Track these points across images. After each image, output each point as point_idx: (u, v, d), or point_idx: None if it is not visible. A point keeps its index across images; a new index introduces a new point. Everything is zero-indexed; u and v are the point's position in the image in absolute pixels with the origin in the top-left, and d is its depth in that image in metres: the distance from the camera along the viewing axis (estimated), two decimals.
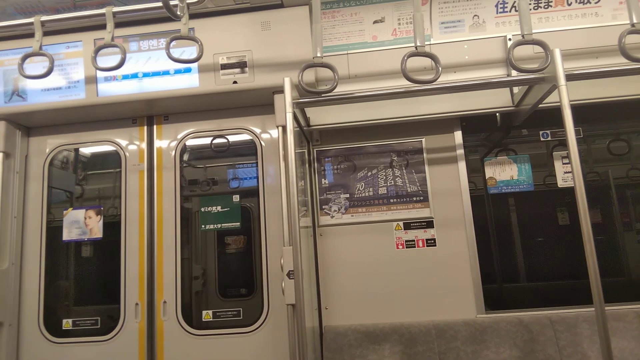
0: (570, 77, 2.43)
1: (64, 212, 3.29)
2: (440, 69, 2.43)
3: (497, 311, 3.05)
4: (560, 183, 3.17)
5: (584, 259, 2.21)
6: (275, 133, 3.21)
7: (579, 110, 2.71)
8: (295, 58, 2.94)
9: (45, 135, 3.40)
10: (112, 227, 3.24)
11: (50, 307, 3.21)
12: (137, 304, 3.10)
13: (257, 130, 3.28)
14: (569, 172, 3.13)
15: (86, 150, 3.56)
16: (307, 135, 3.25)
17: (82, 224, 3.25)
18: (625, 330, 2.80)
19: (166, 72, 3.03)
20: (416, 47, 2.48)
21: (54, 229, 3.29)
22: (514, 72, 3.01)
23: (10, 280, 3.12)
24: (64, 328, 3.17)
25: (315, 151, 3.34)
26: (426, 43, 2.57)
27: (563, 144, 2.34)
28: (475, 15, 3.16)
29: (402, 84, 2.91)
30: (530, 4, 3.10)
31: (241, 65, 2.98)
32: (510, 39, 3.08)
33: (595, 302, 2.18)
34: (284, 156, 2.65)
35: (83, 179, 3.64)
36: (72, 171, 3.59)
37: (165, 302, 3.09)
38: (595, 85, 2.88)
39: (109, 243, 3.23)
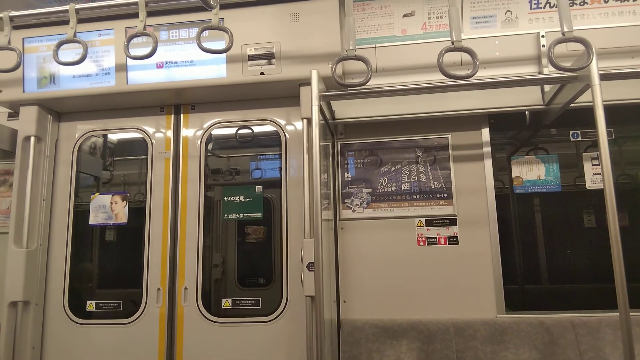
0: (604, 77, 2.38)
1: (91, 196, 3.36)
2: (477, 64, 2.39)
3: (517, 312, 3.01)
4: (589, 185, 3.10)
5: (608, 262, 2.17)
6: (299, 125, 3.21)
7: (611, 111, 2.65)
8: (322, 50, 2.93)
9: (75, 120, 3.47)
10: (137, 213, 3.30)
11: (75, 288, 3.29)
12: (158, 289, 3.16)
13: (282, 122, 3.29)
14: (598, 174, 3.06)
15: (114, 137, 3.63)
16: (331, 128, 3.24)
17: (108, 209, 3.31)
18: None
19: (194, 62, 3.06)
20: (452, 42, 2.45)
21: (80, 213, 3.36)
22: (545, 70, 2.96)
23: (38, 260, 3.21)
24: (87, 309, 3.25)
25: (339, 144, 3.33)
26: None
27: (594, 144, 2.30)
28: (507, 11, 3.10)
29: (430, 78, 2.90)
30: None
31: (269, 56, 2.99)
32: (543, 36, 3.01)
33: (620, 307, 2.14)
34: (308, 149, 2.66)
35: (110, 164, 3.71)
36: (100, 157, 3.67)
37: (186, 288, 3.14)
38: (629, 85, 2.81)
39: (134, 228, 3.29)
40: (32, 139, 3.21)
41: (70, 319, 3.22)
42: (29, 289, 3.10)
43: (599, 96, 2.30)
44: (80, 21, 2.88)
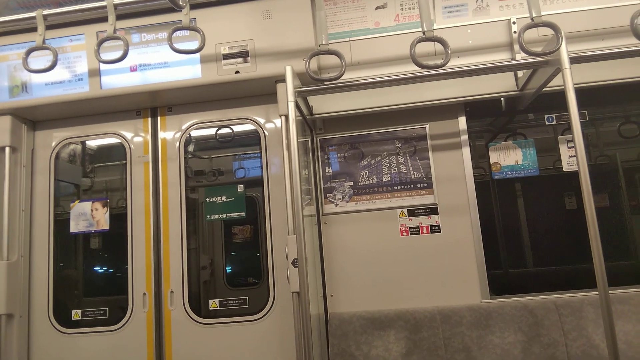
0: (574, 60, 2.42)
1: (71, 204, 3.32)
2: (449, 53, 2.42)
3: (501, 296, 3.05)
4: (566, 167, 3.15)
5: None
6: (278, 122, 3.20)
7: (586, 93, 2.69)
8: (297, 46, 2.92)
9: (51, 128, 3.42)
10: (119, 218, 3.27)
11: (60, 298, 3.25)
12: (144, 294, 3.13)
13: (261, 120, 3.28)
14: (574, 156, 3.10)
15: (92, 143, 3.58)
16: (310, 124, 3.25)
17: (89, 216, 3.28)
18: (630, 313, 2.80)
19: (169, 64, 3.03)
20: (424, 32, 2.47)
21: (61, 222, 3.32)
22: (518, 56, 2.99)
23: (20, 272, 3.16)
24: (73, 319, 3.22)
25: (318, 140, 3.33)
26: None
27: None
28: None
29: (406, 69, 2.91)
30: None
31: (243, 54, 2.97)
32: (514, 22, 3.04)
33: (599, 286, 2.19)
34: (287, 145, 2.65)
35: (89, 171, 3.67)
36: (78, 164, 3.62)
37: (172, 291, 3.12)
38: (602, 67, 2.85)
39: (116, 235, 3.26)
40: (7, 149, 3.16)
41: (56, 329, 3.19)
42: (12, 302, 3.06)
43: (569, 79, 2.33)
44: (50, 27, 2.84)
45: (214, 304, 3.14)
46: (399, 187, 3.20)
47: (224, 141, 3.43)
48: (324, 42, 2.55)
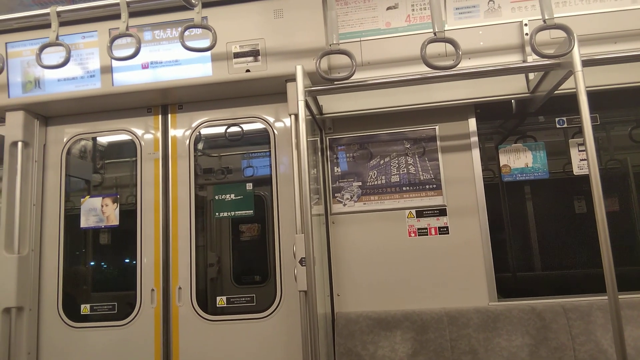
0: (586, 63, 2.40)
1: (82, 200, 3.35)
2: (460, 54, 2.41)
3: (509, 299, 3.04)
4: (576, 171, 3.13)
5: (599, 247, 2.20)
6: (288, 121, 3.21)
7: (597, 97, 2.67)
8: (307, 46, 2.93)
9: (63, 124, 3.46)
10: (129, 214, 3.30)
11: (69, 292, 3.29)
12: (152, 289, 3.16)
13: (271, 119, 3.29)
14: (584, 160, 3.08)
15: (102, 139, 3.61)
16: (319, 123, 3.25)
17: (99, 212, 3.31)
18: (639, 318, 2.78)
19: (180, 61, 3.05)
20: (435, 33, 2.46)
21: (72, 217, 3.35)
22: (529, 58, 2.98)
23: (30, 266, 3.20)
24: (82, 313, 3.24)
25: (327, 139, 3.34)
26: None
27: (581, 130, 2.32)
28: (490, 1, 3.12)
29: (416, 70, 2.90)
30: None
31: (254, 53, 2.99)
32: (526, 24, 3.03)
33: (608, 290, 2.17)
34: (296, 144, 2.66)
35: (100, 167, 3.70)
36: (89, 160, 3.65)
37: (180, 288, 3.14)
38: (614, 70, 2.82)
39: (126, 230, 3.29)
40: (20, 144, 3.20)
41: (65, 323, 3.22)
42: (22, 295, 3.10)
43: (581, 82, 2.32)
44: (64, 24, 2.86)
45: (221, 301, 3.15)
46: (407, 187, 3.19)
47: (234, 139, 3.45)
48: (334, 42, 2.56)
